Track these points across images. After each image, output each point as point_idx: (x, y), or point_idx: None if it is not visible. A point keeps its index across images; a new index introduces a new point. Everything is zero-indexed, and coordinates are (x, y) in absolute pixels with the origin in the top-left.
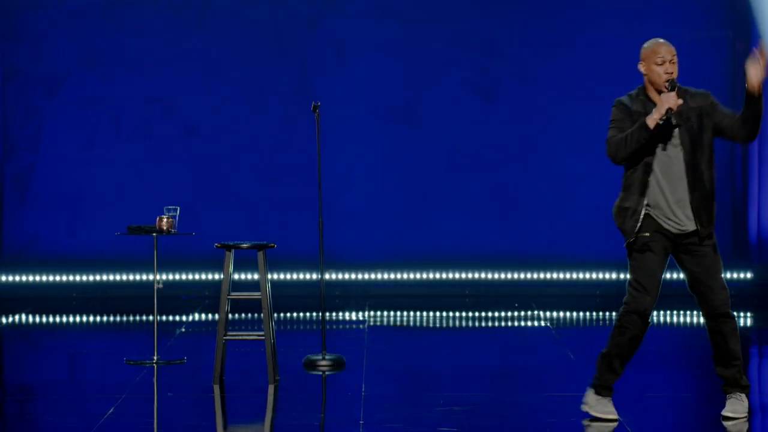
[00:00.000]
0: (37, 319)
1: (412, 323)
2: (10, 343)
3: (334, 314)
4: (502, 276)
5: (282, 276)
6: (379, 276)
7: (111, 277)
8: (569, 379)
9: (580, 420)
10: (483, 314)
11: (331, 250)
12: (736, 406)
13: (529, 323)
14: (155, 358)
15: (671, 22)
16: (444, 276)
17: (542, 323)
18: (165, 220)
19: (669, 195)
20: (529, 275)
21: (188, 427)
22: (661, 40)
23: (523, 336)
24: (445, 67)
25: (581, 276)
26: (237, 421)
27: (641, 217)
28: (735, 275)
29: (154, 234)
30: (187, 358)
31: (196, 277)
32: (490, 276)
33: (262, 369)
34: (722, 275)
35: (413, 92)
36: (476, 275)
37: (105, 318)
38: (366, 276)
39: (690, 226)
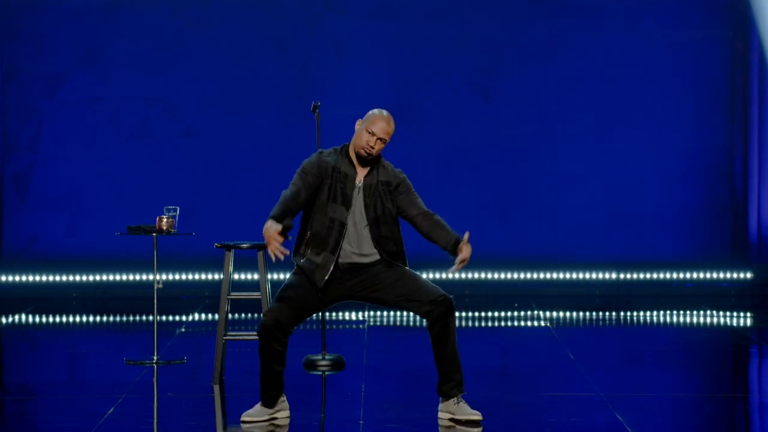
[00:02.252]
0: (37, 319)
1: (412, 323)
2: (10, 343)
3: (334, 314)
4: (502, 276)
5: (282, 276)
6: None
7: (111, 277)
8: (569, 379)
9: (580, 420)
10: (483, 314)
11: None
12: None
13: (529, 323)
14: (155, 358)
15: (671, 22)
16: (444, 276)
17: (542, 323)
18: (165, 220)
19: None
20: (529, 275)
21: (188, 427)
22: (386, 115)
23: (523, 336)
24: (445, 67)
25: (581, 276)
26: (237, 421)
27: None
28: (735, 275)
29: (154, 234)
30: (187, 358)
31: (196, 277)
32: (490, 276)
33: None
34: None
35: (413, 92)
36: (476, 275)
37: (105, 318)
38: None
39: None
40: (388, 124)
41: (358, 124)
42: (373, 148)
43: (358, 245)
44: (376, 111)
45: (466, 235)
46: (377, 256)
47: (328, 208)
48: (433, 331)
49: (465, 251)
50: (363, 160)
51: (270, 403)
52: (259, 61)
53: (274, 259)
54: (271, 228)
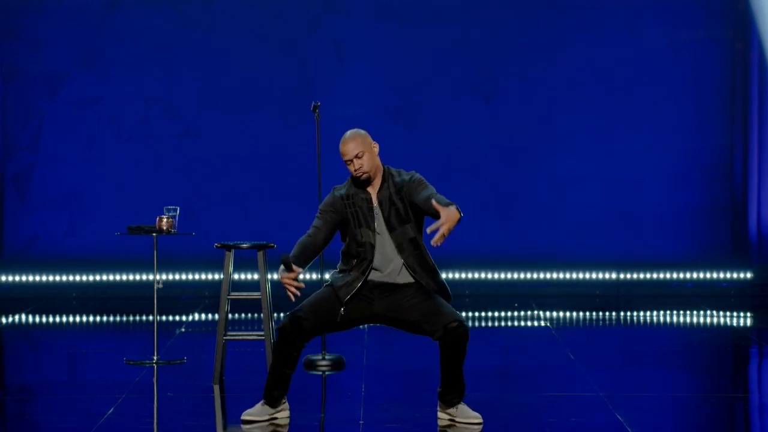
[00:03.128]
0: (37, 319)
1: None
2: (10, 343)
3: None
4: (502, 276)
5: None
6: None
7: (111, 277)
8: (569, 379)
9: (580, 420)
10: (483, 314)
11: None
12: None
13: (529, 323)
14: (155, 358)
15: (671, 22)
16: (444, 276)
17: (542, 323)
18: (165, 220)
19: None
20: (529, 275)
21: (188, 427)
22: (347, 136)
23: (523, 336)
24: (445, 67)
25: (581, 276)
26: (237, 421)
27: None
28: (735, 275)
29: (154, 234)
30: (187, 358)
31: (196, 277)
32: (490, 276)
33: (262, 369)
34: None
35: (413, 92)
36: (476, 275)
37: (105, 318)
38: None
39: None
40: (351, 140)
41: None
42: (357, 170)
43: (388, 265)
44: (342, 138)
45: (446, 207)
46: (407, 277)
47: (357, 233)
48: (443, 349)
49: (443, 214)
50: (364, 183)
51: (273, 402)
52: (259, 61)
53: (293, 297)
54: (281, 273)
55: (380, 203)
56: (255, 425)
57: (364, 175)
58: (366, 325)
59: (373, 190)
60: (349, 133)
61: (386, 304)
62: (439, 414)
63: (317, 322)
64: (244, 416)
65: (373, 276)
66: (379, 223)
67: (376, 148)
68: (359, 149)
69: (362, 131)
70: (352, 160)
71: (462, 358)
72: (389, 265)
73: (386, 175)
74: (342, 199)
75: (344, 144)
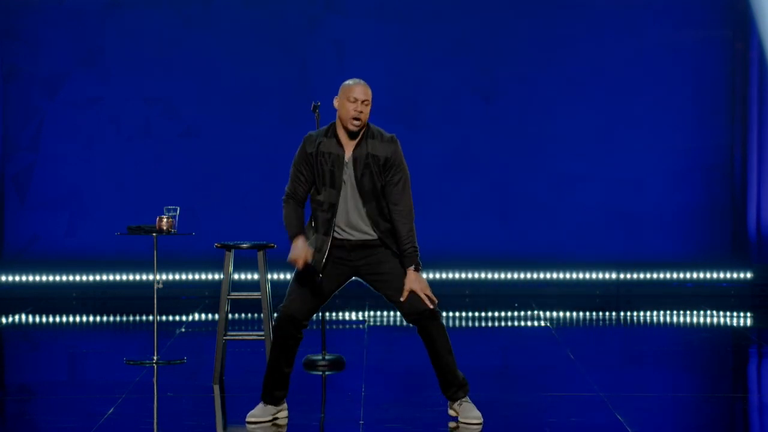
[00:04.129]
0: (37, 319)
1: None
2: (10, 343)
3: (334, 314)
4: (502, 276)
5: (282, 276)
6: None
7: (111, 277)
8: (569, 379)
9: (580, 420)
10: (483, 314)
11: None
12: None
13: (529, 323)
14: (155, 358)
15: (671, 22)
16: (444, 276)
17: (542, 323)
18: (165, 220)
19: None
20: (529, 275)
21: (188, 427)
22: (359, 80)
23: (523, 336)
24: (445, 67)
25: (581, 276)
26: (237, 421)
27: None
28: (735, 275)
29: (154, 234)
30: (187, 358)
31: (196, 277)
32: (490, 276)
33: (262, 369)
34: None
35: (413, 92)
36: (476, 275)
37: (105, 318)
38: None
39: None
40: (364, 86)
41: (336, 101)
42: (361, 113)
43: (356, 222)
44: (348, 81)
45: (409, 272)
46: (374, 234)
47: (322, 192)
48: (423, 339)
49: (407, 281)
50: (353, 134)
51: (276, 401)
52: (259, 61)
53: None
54: (297, 251)
55: (354, 162)
56: (259, 426)
57: (358, 124)
58: (366, 325)
59: (348, 147)
60: (357, 79)
61: (367, 264)
62: (449, 412)
63: (305, 305)
64: (249, 418)
65: (338, 233)
66: (349, 178)
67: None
68: (368, 97)
69: None
70: (357, 101)
71: (444, 345)
72: (353, 219)
73: (366, 132)
74: (312, 156)
75: (358, 85)
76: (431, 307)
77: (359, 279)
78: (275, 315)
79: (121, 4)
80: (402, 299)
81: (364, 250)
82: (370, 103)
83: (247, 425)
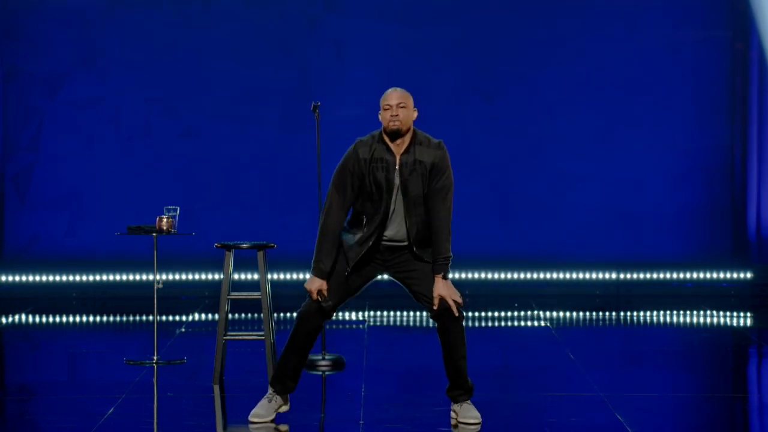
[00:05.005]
0: (37, 319)
1: (412, 323)
2: (10, 343)
3: (334, 314)
4: (502, 276)
5: (282, 276)
6: (379, 276)
7: (111, 277)
8: (569, 379)
9: (580, 420)
10: (483, 314)
11: None
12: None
13: (529, 323)
14: (155, 358)
15: (671, 22)
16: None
17: (542, 323)
18: (165, 220)
19: None
20: (529, 275)
21: (188, 427)
22: (394, 88)
23: (523, 336)
24: (445, 67)
25: (581, 276)
26: (237, 421)
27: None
28: (735, 275)
29: (154, 234)
30: (187, 358)
31: (196, 277)
32: (490, 276)
33: (262, 369)
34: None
35: (413, 92)
36: (476, 275)
37: (105, 318)
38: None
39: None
40: (400, 91)
41: (379, 114)
42: (397, 116)
43: (397, 227)
44: (386, 91)
45: (438, 278)
46: (408, 241)
47: (374, 194)
48: (442, 338)
49: (436, 288)
50: (395, 135)
51: (286, 391)
52: (259, 61)
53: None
54: (315, 284)
55: (401, 166)
56: (262, 425)
57: (397, 125)
58: (366, 325)
59: (397, 151)
60: (395, 87)
61: (399, 263)
62: (451, 413)
63: (335, 297)
64: (252, 418)
65: (383, 238)
66: (397, 184)
67: (415, 113)
68: (403, 100)
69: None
70: (392, 107)
71: (460, 349)
72: (396, 226)
73: (414, 138)
74: (365, 162)
75: (391, 92)
76: (456, 314)
77: (389, 276)
78: (302, 305)
79: (122, 4)
80: (435, 307)
81: (394, 252)
82: (409, 105)
83: (250, 425)
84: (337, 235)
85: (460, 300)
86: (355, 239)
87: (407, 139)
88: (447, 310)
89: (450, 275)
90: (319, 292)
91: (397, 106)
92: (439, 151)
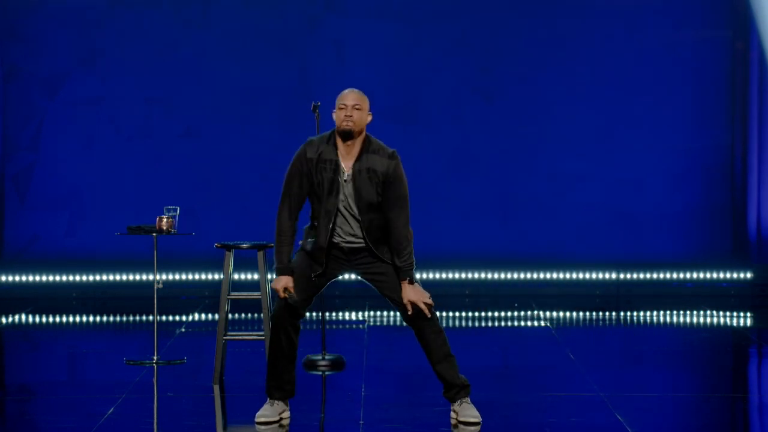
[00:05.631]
0: (37, 319)
1: None
2: (10, 343)
3: (334, 314)
4: (502, 276)
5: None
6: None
7: (111, 277)
8: (569, 379)
9: (580, 420)
10: (483, 314)
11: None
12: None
13: (529, 323)
14: (155, 358)
15: (671, 22)
16: (444, 276)
17: (542, 323)
18: (165, 220)
19: None
20: (529, 275)
21: (188, 427)
22: (351, 89)
23: (523, 336)
24: (445, 67)
25: (581, 276)
26: (237, 421)
27: None
28: (735, 275)
29: (154, 234)
30: (187, 358)
31: (196, 277)
32: (490, 276)
33: (262, 369)
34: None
35: (413, 92)
36: (476, 275)
37: (105, 318)
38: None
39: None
40: (357, 92)
41: (333, 113)
42: (351, 116)
43: (353, 231)
44: (343, 91)
45: (404, 284)
46: (362, 240)
47: (323, 198)
48: (422, 342)
49: (404, 294)
50: (347, 136)
51: (286, 395)
52: (259, 61)
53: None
54: (282, 282)
55: (353, 175)
56: (268, 426)
57: (350, 125)
58: (366, 325)
59: (349, 158)
60: (352, 88)
61: (363, 263)
62: (451, 414)
63: (302, 295)
64: (258, 419)
65: (336, 238)
66: (347, 191)
67: (370, 117)
68: (359, 102)
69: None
70: (347, 106)
71: (442, 347)
72: (348, 227)
73: (366, 145)
74: (312, 162)
75: (348, 92)
76: (429, 315)
77: (355, 273)
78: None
79: (122, 4)
80: (409, 312)
81: (356, 253)
82: (364, 108)
83: (257, 426)
84: (291, 233)
85: (430, 302)
86: (311, 241)
87: (358, 142)
88: (419, 313)
89: (417, 276)
90: (286, 288)
91: (353, 107)
92: (392, 161)
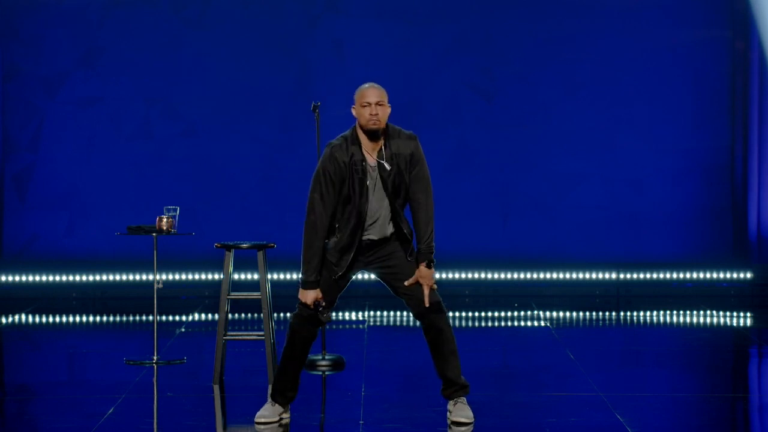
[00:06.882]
0: (37, 319)
1: (412, 323)
2: (10, 343)
3: (334, 314)
4: (502, 276)
5: (282, 276)
6: (360, 275)
7: (111, 277)
8: (569, 379)
9: (580, 420)
10: (483, 314)
11: None
12: (466, 411)
13: (529, 323)
14: (155, 358)
15: (671, 22)
16: (444, 276)
17: (542, 323)
18: (165, 220)
19: None
20: (529, 275)
21: (188, 427)
22: (371, 83)
23: (523, 336)
24: (445, 67)
25: (581, 276)
26: (237, 421)
27: None
28: (735, 275)
29: (154, 234)
30: (187, 358)
31: (196, 277)
32: (490, 276)
33: (262, 369)
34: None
35: (413, 92)
36: (476, 275)
37: (105, 318)
38: (366, 276)
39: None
40: (378, 88)
41: (353, 110)
42: (376, 115)
43: (380, 224)
44: (361, 86)
45: (422, 266)
46: (390, 228)
47: (350, 201)
48: (429, 336)
49: (418, 273)
50: (374, 134)
51: (287, 402)
52: (259, 61)
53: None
54: (311, 296)
55: (379, 166)
56: (268, 426)
57: (378, 124)
58: (366, 325)
59: (372, 153)
60: (369, 83)
61: (378, 258)
62: (447, 412)
63: (329, 297)
64: (258, 419)
65: (364, 236)
66: (375, 182)
67: (389, 109)
68: (381, 98)
69: None
70: (370, 105)
71: (448, 343)
72: (376, 220)
73: (387, 133)
74: (346, 166)
75: (369, 88)
76: (427, 305)
77: (368, 271)
78: (291, 315)
79: (121, 4)
80: (407, 283)
81: (373, 247)
82: (386, 103)
83: (257, 425)
84: (323, 246)
85: (434, 286)
86: (333, 244)
87: (381, 138)
88: (431, 306)
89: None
90: (317, 302)
91: (377, 104)
92: (414, 142)
